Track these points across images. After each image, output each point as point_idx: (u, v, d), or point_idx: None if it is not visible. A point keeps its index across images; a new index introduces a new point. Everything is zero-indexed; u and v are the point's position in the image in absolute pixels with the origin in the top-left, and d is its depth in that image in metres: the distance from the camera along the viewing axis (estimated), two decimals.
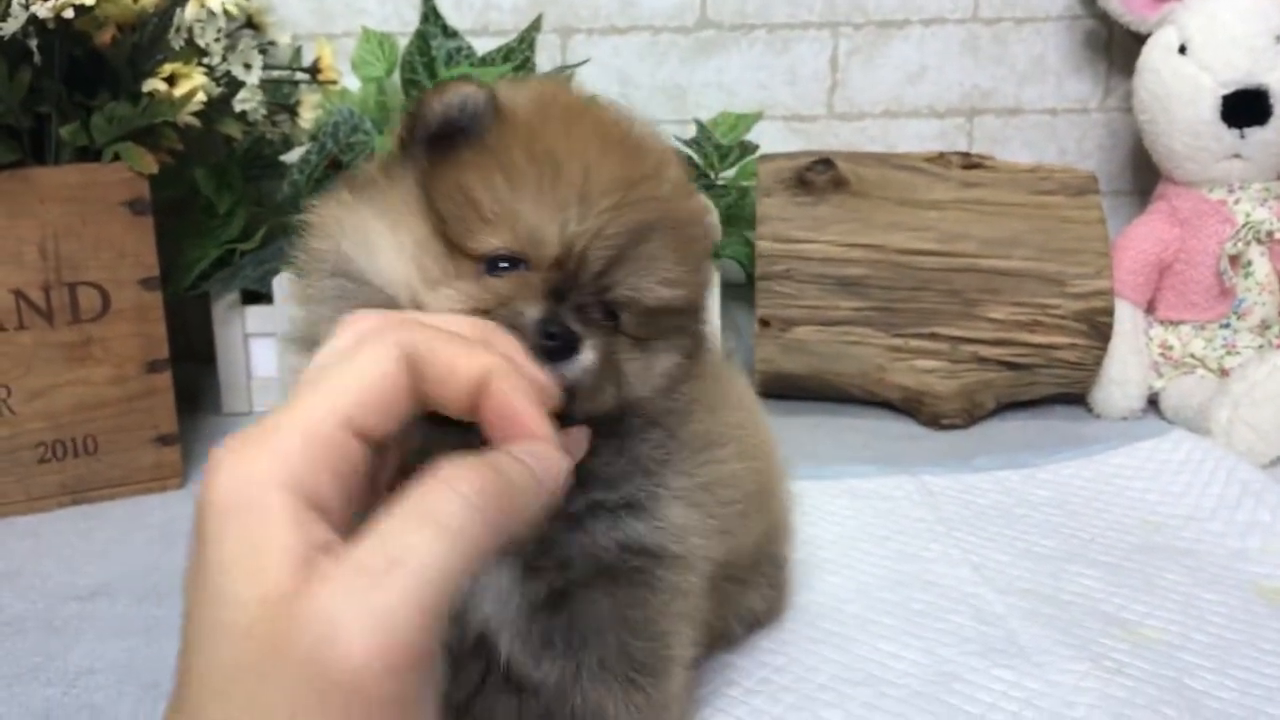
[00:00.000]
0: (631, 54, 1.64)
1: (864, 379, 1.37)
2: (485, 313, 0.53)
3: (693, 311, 0.63)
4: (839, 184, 1.35)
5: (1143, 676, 0.79)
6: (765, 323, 1.35)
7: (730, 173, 1.51)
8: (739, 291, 1.52)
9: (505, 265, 0.56)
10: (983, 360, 1.34)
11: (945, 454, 1.26)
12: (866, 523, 1.07)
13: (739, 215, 1.57)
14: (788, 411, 1.40)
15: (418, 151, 0.59)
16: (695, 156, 1.46)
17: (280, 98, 1.34)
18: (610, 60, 1.63)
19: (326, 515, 0.42)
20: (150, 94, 1.10)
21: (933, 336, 1.34)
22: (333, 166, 1.39)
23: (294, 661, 0.38)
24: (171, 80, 1.11)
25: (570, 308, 0.55)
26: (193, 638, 0.41)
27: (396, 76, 1.51)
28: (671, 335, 0.62)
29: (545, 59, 1.63)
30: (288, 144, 1.39)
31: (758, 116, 1.60)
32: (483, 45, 1.54)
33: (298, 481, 0.41)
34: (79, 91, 1.10)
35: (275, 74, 1.31)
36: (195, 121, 1.13)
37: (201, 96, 1.12)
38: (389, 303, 0.56)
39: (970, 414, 1.35)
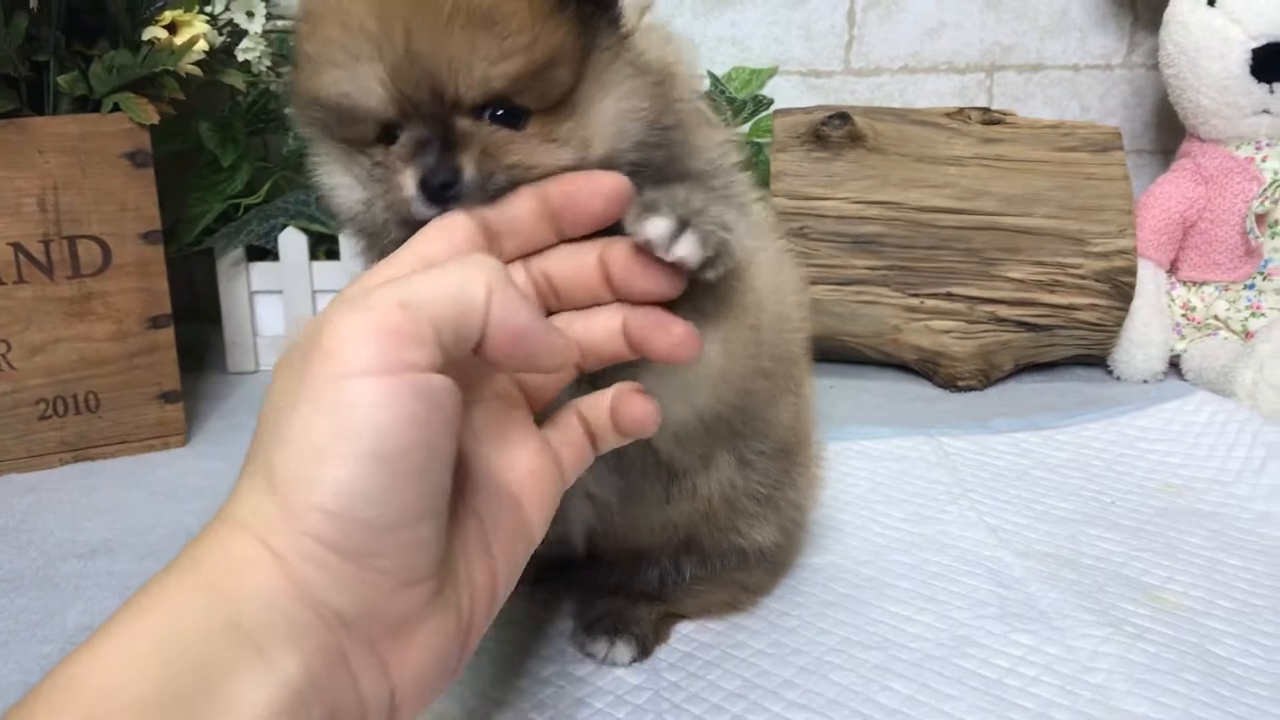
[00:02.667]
0: None
1: (879, 339, 1.34)
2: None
3: (564, 57, 0.56)
4: (855, 139, 1.31)
5: (1164, 642, 0.77)
6: None
7: (744, 128, 1.47)
8: None
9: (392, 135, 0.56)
10: (1001, 321, 1.31)
11: (962, 415, 1.24)
12: (882, 484, 1.05)
13: (753, 171, 1.54)
14: None
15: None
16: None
17: (283, 49, 1.31)
18: None
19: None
20: (150, 42, 1.07)
21: (949, 296, 1.31)
22: None
23: (300, 357, 0.44)
24: (172, 28, 1.09)
25: (458, 151, 0.54)
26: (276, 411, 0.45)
27: None
28: (580, 88, 0.57)
29: None
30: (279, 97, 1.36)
31: (772, 71, 1.57)
32: None
33: (396, 354, 0.44)
34: (78, 39, 1.07)
35: (280, 24, 1.28)
36: (197, 71, 1.10)
37: (203, 45, 1.09)
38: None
39: (987, 375, 1.33)
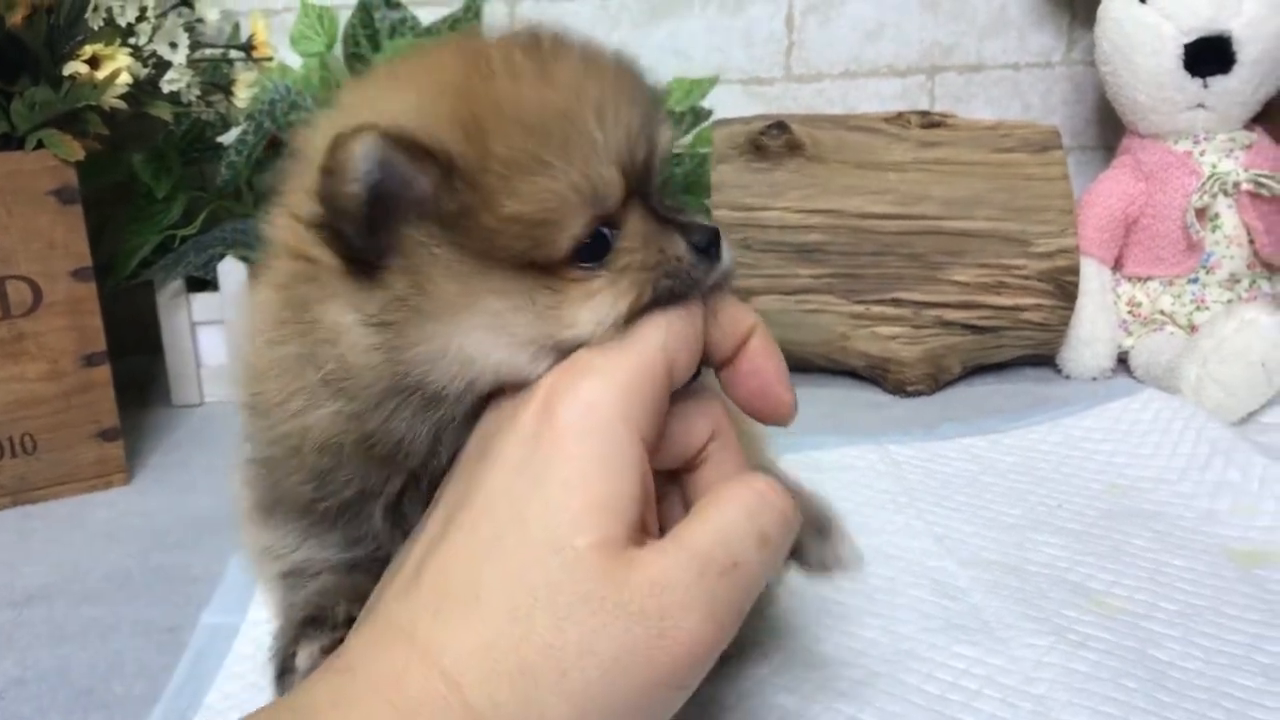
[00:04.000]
0: (583, 19, 1.59)
1: (826, 347, 1.34)
2: (648, 291, 0.50)
3: None
4: (794, 148, 1.31)
5: (1106, 649, 0.77)
6: None
7: (686, 139, 1.47)
8: None
9: (590, 241, 0.50)
10: (947, 324, 1.31)
11: (911, 421, 1.24)
12: (828, 495, 1.04)
13: (696, 183, 1.54)
14: None
15: (384, 237, 0.50)
16: None
17: (216, 77, 1.29)
18: (560, 26, 1.58)
19: (648, 449, 0.47)
20: (72, 77, 1.05)
21: (895, 302, 1.31)
22: (272, 146, 1.35)
23: (635, 621, 0.43)
24: (94, 62, 1.07)
25: (665, 208, 0.53)
26: (490, 544, 0.45)
27: (339, 50, 1.47)
28: None
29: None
30: (226, 124, 1.35)
31: (713, 81, 1.56)
32: (427, 15, 1.49)
33: (639, 413, 0.46)
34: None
35: (207, 52, 1.27)
36: (122, 105, 1.09)
37: (126, 78, 1.07)
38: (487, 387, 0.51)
39: (936, 379, 1.33)
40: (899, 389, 1.32)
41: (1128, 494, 1.03)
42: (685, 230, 0.52)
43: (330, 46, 1.45)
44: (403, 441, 0.51)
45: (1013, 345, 1.34)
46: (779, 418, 0.53)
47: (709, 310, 0.52)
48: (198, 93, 1.23)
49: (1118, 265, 1.43)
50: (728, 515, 0.47)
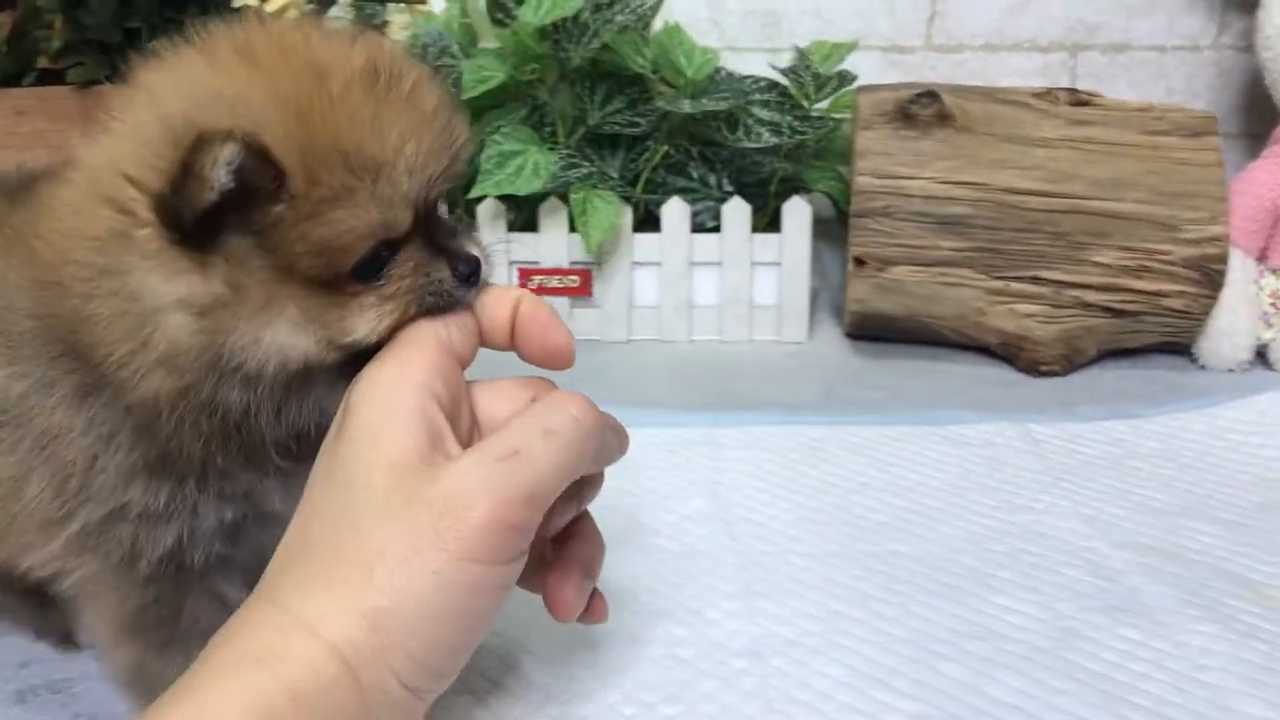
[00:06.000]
0: None
1: (961, 322, 1.32)
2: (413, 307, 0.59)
3: None
4: (943, 118, 1.29)
5: (1276, 641, 0.76)
6: (860, 261, 1.31)
7: (823, 104, 1.45)
8: (825, 228, 1.47)
9: (369, 261, 0.57)
10: (1087, 306, 1.29)
11: (1045, 401, 1.22)
12: (971, 470, 1.04)
13: (830, 149, 1.52)
14: (879, 353, 1.36)
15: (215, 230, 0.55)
16: (790, 85, 1.41)
17: (367, 18, 1.30)
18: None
19: (442, 408, 0.55)
20: (240, 10, 1.06)
21: (1035, 280, 1.29)
22: None
23: (423, 509, 0.51)
24: None
25: (442, 237, 0.60)
26: (318, 493, 0.55)
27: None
28: None
29: None
30: None
31: (852, 46, 1.54)
32: None
33: (421, 381, 0.55)
34: (170, 6, 1.07)
35: None
36: None
37: (293, 13, 1.08)
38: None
39: (1070, 361, 1.31)
40: (1031, 368, 1.30)
41: (1277, 488, 1.01)
42: (453, 258, 0.59)
43: None
44: (248, 409, 0.58)
45: (1151, 331, 1.32)
46: (562, 355, 0.61)
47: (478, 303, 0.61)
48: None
49: (1262, 256, 1.39)
50: (517, 418, 0.56)
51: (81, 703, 0.71)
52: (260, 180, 0.53)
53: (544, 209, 1.38)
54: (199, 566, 0.64)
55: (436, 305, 0.59)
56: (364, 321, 0.57)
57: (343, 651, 0.51)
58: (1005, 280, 1.29)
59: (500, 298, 0.61)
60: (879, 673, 0.73)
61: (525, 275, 1.40)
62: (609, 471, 1.01)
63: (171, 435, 0.59)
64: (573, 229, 1.37)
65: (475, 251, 0.61)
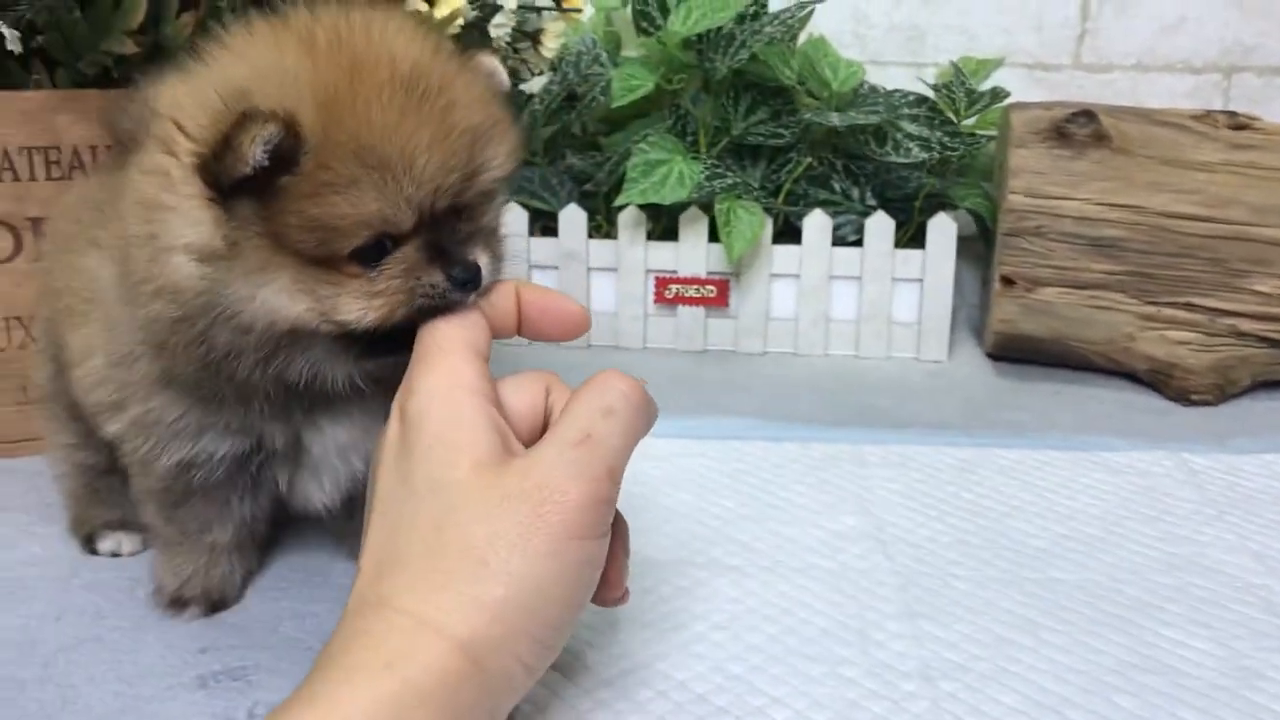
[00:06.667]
0: None
1: (1109, 347, 1.29)
2: (401, 308, 0.63)
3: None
4: (1100, 139, 1.27)
5: None
6: (1009, 281, 1.29)
7: (969, 120, 1.44)
8: (962, 245, 1.45)
9: (369, 247, 0.62)
10: (1241, 335, 1.26)
11: (1198, 431, 1.19)
12: (1128, 499, 1.01)
13: (972, 165, 1.50)
14: (1022, 375, 1.34)
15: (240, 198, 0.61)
16: (941, 101, 1.40)
17: (522, 24, 1.32)
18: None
19: (497, 408, 0.60)
20: (412, 14, 1.08)
21: (1189, 306, 1.26)
22: (568, 99, 1.37)
23: (521, 500, 0.55)
24: (430, 1, 1.10)
25: (448, 242, 0.64)
26: (394, 503, 0.58)
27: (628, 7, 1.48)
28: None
29: None
30: (518, 73, 1.37)
31: (999, 62, 1.53)
32: None
33: (472, 382, 0.59)
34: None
35: None
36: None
37: (461, 20, 1.10)
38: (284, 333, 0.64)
39: (1222, 390, 1.27)
40: (1181, 396, 1.27)
41: None
42: (451, 264, 0.63)
43: (627, 2, 1.46)
44: (230, 352, 0.64)
45: None
46: (578, 318, 0.65)
47: (483, 299, 0.65)
48: (508, 39, 1.25)
49: None
50: (574, 405, 0.59)
51: (259, 691, 0.72)
52: (290, 161, 0.58)
53: (684, 218, 1.38)
54: (206, 483, 0.75)
55: (430, 307, 0.63)
56: (353, 307, 0.62)
57: (468, 646, 0.54)
58: (1157, 306, 1.26)
59: (501, 291, 0.65)
60: (1052, 701, 0.71)
61: (662, 284, 1.40)
62: (754, 487, 1.02)
63: (171, 357, 0.67)
64: (712, 239, 1.38)
65: (478, 259, 0.64)
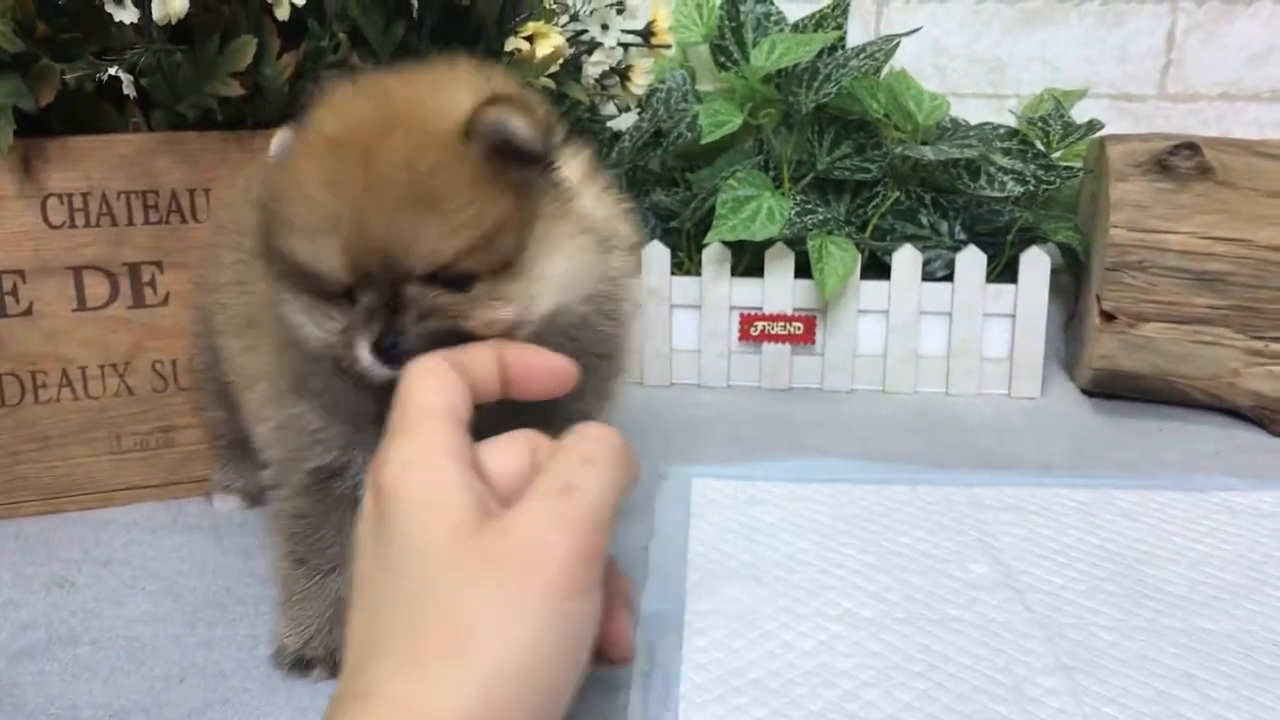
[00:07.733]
0: (951, 22, 1.56)
1: (1213, 383, 1.27)
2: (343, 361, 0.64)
3: (508, 225, 0.63)
4: (1203, 171, 1.25)
5: None
6: (1109, 316, 1.26)
7: (1058, 153, 1.41)
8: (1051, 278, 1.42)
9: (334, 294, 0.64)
10: None
11: None
12: (1258, 542, 0.98)
13: (1055, 198, 1.48)
14: (1120, 412, 1.31)
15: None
16: (1032, 133, 1.38)
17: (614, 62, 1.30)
18: (927, 29, 1.54)
19: (473, 470, 0.56)
20: (513, 53, 1.07)
21: None
22: (655, 135, 1.35)
23: (503, 562, 0.51)
24: (531, 40, 1.09)
25: (404, 316, 0.62)
26: (371, 583, 0.55)
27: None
28: (528, 250, 0.64)
29: (858, 26, 1.57)
30: (598, 109, 1.35)
31: (1082, 94, 1.51)
32: (795, 11, 1.48)
33: (449, 448, 0.55)
34: (442, 47, 1.08)
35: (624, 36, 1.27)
36: (550, 84, 1.10)
37: (561, 59, 1.09)
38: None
39: None
40: None
41: None
42: (391, 334, 0.61)
43: (708, 38, 1.45)
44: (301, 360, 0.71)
45: None
46: (565, 372, 0.62)
47: (459, 360, 0.60)
48: (596, 76, 1.24)
49: None
50: (552, 460, 0.56)
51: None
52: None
53: (770, 254, 1.36)
54: (343, 495, 0.75)
55: (350, 371, 0.64)
56: (326, 342, 0.66)
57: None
58: (1264, 341, 1.24)
59: (481, 354, 0.61)
60: None
61: (748, 321, 1.39)
62: (873, 533, 0.99)
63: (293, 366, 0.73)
64: (798, 275, 1.36)
65: (416, 333, 0.62)
